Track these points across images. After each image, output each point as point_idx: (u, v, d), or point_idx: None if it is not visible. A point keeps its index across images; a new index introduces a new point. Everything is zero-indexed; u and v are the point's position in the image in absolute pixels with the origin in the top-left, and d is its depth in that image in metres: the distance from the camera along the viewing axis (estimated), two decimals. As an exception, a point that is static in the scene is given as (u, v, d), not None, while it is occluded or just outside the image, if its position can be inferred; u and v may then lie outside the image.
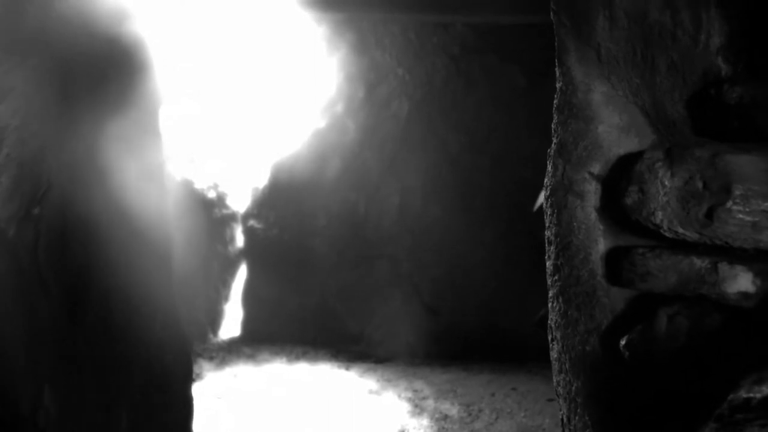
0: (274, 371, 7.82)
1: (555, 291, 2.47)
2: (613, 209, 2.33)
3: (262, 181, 9.32)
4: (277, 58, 8.86)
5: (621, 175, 2.30)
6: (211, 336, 8.94)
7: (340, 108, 8.96)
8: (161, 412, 2.95)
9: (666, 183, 2.13)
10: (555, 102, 2.54)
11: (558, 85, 2.53)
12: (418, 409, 6.33)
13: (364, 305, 8.90)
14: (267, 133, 9.06)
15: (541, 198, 5.92)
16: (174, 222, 7.70)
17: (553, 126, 2.55)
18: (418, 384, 7.20)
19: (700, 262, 2.08)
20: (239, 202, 9.38)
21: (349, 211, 9.05)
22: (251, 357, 8.40)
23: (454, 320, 8.48)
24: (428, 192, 8.67)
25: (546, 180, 2.55)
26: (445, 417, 6.10)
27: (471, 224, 8.43)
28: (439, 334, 8.48)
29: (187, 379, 3.34)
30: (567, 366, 2.41)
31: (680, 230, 2.11)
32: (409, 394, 6.79)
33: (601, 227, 2.36)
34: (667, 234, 2.15)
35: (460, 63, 8.51)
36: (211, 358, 8.19)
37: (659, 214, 2.14)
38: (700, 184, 2.08)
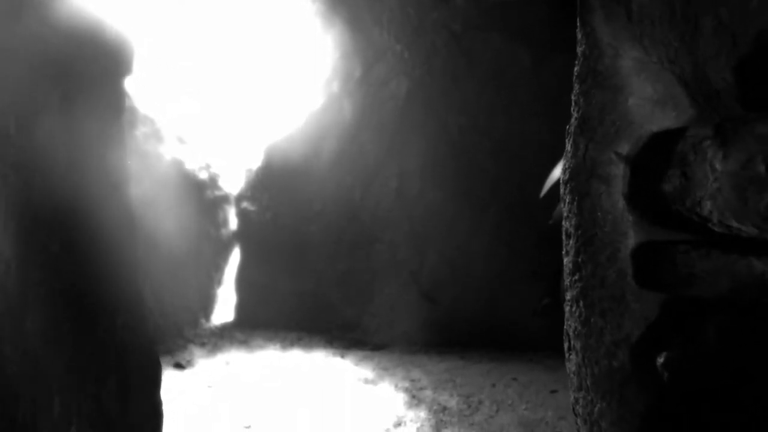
0: (267, 358, 7.46)
1: (575, 293, 2.04)
2: (645, 197, 1.90)
3: (255, 162, 8.95)
4: (270, 36, 8.45)
5: (656, 156, 1.87)
6: (203, 321, 8.57)
7: (335, 87, 8.52)
8: (123, 423, 2.54)
9: (717, 166, 1.70)
10: (576, 69, 2.10)
11: (580, 49, 2.08)
12: (415, 400, 5.96)
13: (361, 291, 8.52)
14: (261, 113, 8.69)
15: (550, 183, 5.45)
16: (162, 204, 7.38)
17: (573, 97, 2.11)
18: (416, 373, 6.84)
19: (761, 265, 1.64)
20: (232, 183, 9.01)
21: (345, 194, 8.64)
22: (244, 343, 8.04)
23: (453, 307, 8.09)
24: (427, 176, 8.23)
25: (563, 162, 2.12)
26: (444, 409, 5.73)
27: (472, 209, 8.01)
28: (438, 321, 8.10)
29: (155, 384, 2.93)
30: (588, 382, 1.98)
31: (734, 224, 1.67)
32: (406, 384, 6.42)
33: (631, 218, 1.93)
34: (716, 228, 1.71)
35: (462, 40, 8.03)
36: (202, 344, 7.83)
37: (707, 204, 1.71)
38: (761, 168, 1.63)
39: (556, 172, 5.16)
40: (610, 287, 1.93)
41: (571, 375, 2.12)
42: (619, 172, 1.96)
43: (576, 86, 2.08)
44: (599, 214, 1.96)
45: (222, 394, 6.10)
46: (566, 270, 2.11)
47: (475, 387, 6.36)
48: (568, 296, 2.09)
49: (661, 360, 1.77)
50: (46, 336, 2.10)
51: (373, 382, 6.56)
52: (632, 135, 1.95)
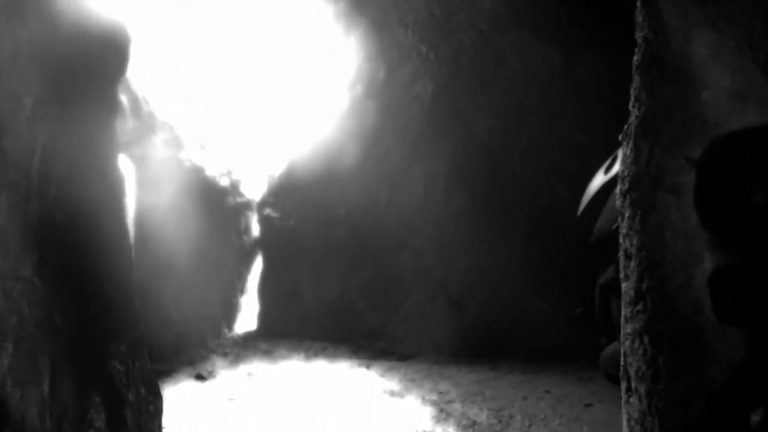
0: (290, 369, 7.14)
1: (637, 326, 1.66)
2: (724, 211, 1.54)
3: (278, 167, 8.67)
4: (293, 39, 8.18)
5: (737, 162, 1.51)
6: (225, 331, 8.29)
7: (359, 90, 8.20)
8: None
9: (827, 174, 1.34)
10: (636, 58, 1.72)
11: (641, 35, 1.71)
12: (443, 414, 5.61)
13: (387, 299, 8.17)
14: (283, 118, 8.42)
15: (588, 197, 5.04)
16: (182, 210, 7.11)
17: (632, 92, 1.74)
18: (444, 385, 6.49)
19: None
20: (254, 189, 8.75)
21: (370, 199, 8.30)
22: (267, 353, 7.74)
23: (483, 316, 7.71)
24: (454, 179, 7.86)
25: (621, 168, 1.76)
26: (473, 424, 5.38)
27: (501, 214, 7.62)
28: (466, 330, 7.72)
29: (155, 416, 2.61)
30: (656, 436, 1.62)
31: None
32: (434, 397, 6.08)
33: (706, 236, 1.56)
34: (825, 252, 1.35)
35: (490, 39, 7.64)
36: (225, 355, 7.54)
37: (814, 222, 1.34)
38: None
39: (595, 183, 4.74)
40: (684, 322, 1.55)
41: (632, 423, 1.74)
42: (690, 180, 1.59)
43: (636, 78, 1.70)
44: (668, 232, 1.58)
45: (244, 408, 5.81)
46: (626, 298, 1.73)
47: (506, 400, 6.00)
48: (628, 329, 1.72)
49: (756, 418, 1.39)
50: (18, 375, 1.79)
51: (399, 394, 6.23)
52: (706, 135, 1.59)
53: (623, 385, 1.80)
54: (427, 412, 5.69)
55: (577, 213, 5.16)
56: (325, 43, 8.13)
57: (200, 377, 6.64)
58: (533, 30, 7.42)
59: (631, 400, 1.74)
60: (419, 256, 8.09)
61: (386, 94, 8.10)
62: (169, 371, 6.65)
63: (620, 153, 4.63)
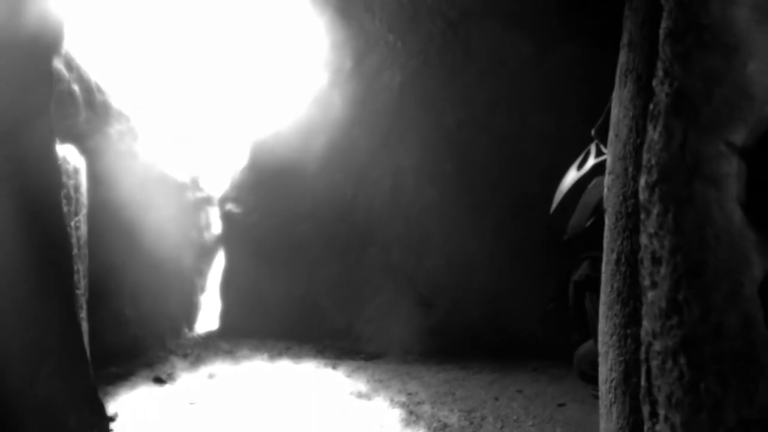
0: (253, 370, 6.83)
1: (670, 343, 1.38)
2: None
3: (240, 161, 8.31)
4: (256, 26, 7.81)
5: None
6: (185, 331, 7.91)
7: (325, 80, 7.88)
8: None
9: None
10: (666, 24, 1.44)
11: (671, -3, 1.44)
12: (413, 416, 5.36)
13: (353, 297, 7.89)
14: (245, 109, 8.05)
15: (561, 194, 4.83)
16: (139, 206, 6.73)
17: (660, 66, 1.46)
18: (413, 385, 6.24)
19: None
20: (215, 184, 8.38)
21: (336, 194, 8.00)
22: (229, 353, 7.40)
23: (452, 314, 7.48)
24: (424, 173, 7.60)
25: (648, 156, 1.47)
26: (444, 426, 5.14)
27: (471, 208, 7.39)
28: (436, 328, 7.48)
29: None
30: (696, 475, 1.34)
31: None
32: (403, 398, 5.82)
33: (754, 236, 1.29)
34: None
35: (459, 29, 7.38)
36: (185, 356, 7.18)
37: None
38: None
39: (568, 180, 4.55)
40: (731, 340, 1.27)
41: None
42: (731, 170, 1.31)
43: (667, 48, 1.42)
44: (709, 231, 1.30)
45: (205, 412, 5.49)
46: (654, 309, 1.44)
47: (477, 401, 5.81)
48: (657, 346, 1.44)
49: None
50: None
51: (366, 396, 5.98)
52: (751, 116, 1.31)
53: (647, 411, 1.52)
54: (396, 414, 5.46)
55: (550, 211, 4.96)
56: (290, 32, 7.79)
57: (159, 380, 6.28)
58: (503, 19, 7.18)
59: (658, 428, 1.45)
60: (387, 252, 7.82)
61: (353, 85, 7.81)
62: (125, 374, 6.29)
63: (593, 148, 4.43)
